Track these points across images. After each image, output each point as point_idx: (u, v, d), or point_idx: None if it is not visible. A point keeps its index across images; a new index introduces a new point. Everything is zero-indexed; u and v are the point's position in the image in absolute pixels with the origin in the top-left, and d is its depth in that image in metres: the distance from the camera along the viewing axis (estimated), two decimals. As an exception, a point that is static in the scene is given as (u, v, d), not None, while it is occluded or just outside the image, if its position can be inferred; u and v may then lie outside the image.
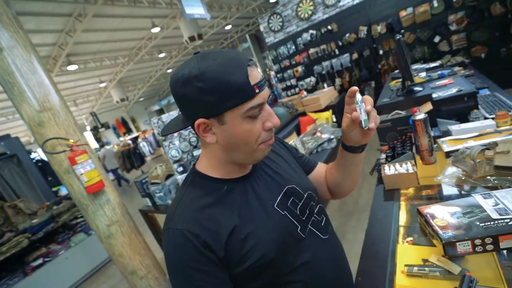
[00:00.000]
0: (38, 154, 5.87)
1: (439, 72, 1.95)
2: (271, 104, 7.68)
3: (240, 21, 11.57)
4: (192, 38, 7.88)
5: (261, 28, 5.99)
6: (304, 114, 3.72)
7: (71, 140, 1.93)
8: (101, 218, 2.13)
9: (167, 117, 1.86)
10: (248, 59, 0.49)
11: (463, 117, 1.39)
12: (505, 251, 0.69)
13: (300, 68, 5.67)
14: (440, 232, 0.70)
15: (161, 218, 2.58)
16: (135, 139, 10.16)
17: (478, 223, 0.68)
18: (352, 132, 0.62)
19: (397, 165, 1.09)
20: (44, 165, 5.47)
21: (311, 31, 5.27)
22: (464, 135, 1.16)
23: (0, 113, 10.08)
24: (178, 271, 0.51)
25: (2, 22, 1.77)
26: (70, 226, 3.58)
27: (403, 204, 1.00)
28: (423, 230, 0.83)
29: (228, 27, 11.05)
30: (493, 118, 1.23)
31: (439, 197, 0.95)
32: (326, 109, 3.62)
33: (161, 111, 17.05)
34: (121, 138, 11.06)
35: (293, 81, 5.87)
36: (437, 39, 4.30)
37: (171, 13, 7.85)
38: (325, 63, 5.31)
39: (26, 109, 1.87)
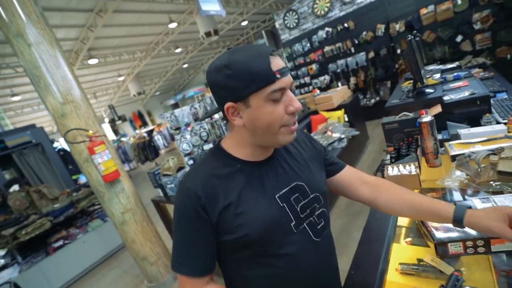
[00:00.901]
0: (60, 143, 6.19)
1: (455, 74, 1.90)
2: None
3: (256, 17, 11.54)
4: (208, 34, 7.95)
5: (277, 25, 5.97)
6: (316, 112, 3.71)
7: (90, 131, 2.05)
8: (116, 205, 2.25)
9: (179, 111, 1.94)
10: (271, 50, 0.55)
11: (475, 121, 1.37)
12: (504, 257, 0.70)
13: (314, 66, 5.62)
14: (434, 232, 0.72)
15: (172, 209, 2.68)
16: (150, 132, 10.44)
17: (472, 226, 0.70)
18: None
19: (401, 166, 1.10)
20: (65, 154, 5.76)
21: (326, 28, 5.20)
22: (472, 139, 1.15)
23: (26, 103, 10.64)
24: (178, 221, 0.61)
25: (31, 20, 1.89)
26: (87, 212, 3.78)
27: None
28: (420, 230, 0.85)
29: (244, 23, 11.05)
30: (505, 123, 1.21)
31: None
32: (338, 108, 3.59)
33: (176, 105, 17.38)
34: (137, 131, 11.40)
35: (307, 79, 5.83)
36: (459, 38, 4.13)
37: (188, 8, 7.95)
38: (340, 62, 5.23)
39: (50, 101, 2.00)
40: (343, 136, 3.05)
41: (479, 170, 0.95)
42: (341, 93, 3.83)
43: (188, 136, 1.75)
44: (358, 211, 2.63)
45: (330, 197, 2.77)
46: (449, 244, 0.69)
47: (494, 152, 0.98)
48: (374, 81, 5.07)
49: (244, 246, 0.60)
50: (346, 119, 3.52)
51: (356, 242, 0.89)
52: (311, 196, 0.67)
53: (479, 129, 1.21)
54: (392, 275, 0.75)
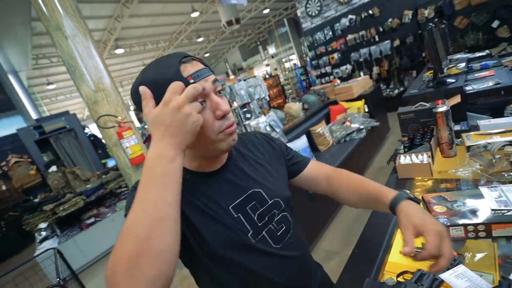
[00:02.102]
0: (90, 130, 6.60)
1: (483, 63, 1.82)
2: (303, 91, 7.55)
3: (278, 5, 11.31)
4: (229, 23, 7.95)
5: (298, 12, 5.85)
6: (335, 102, 3.67)
7: (119, 117, 2.22)
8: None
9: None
10: (182, 55, 0.53)
11: (499, 112, 1.33)
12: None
13: (336, 55, 5.48)
14: (438, 217, 0.76)
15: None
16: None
17: (475, 211, 0.72)
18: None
19: (413, 155, 1.11)
20: (95, 140, 6.16)
21: (350, 16, 5.03)
22: (491, 130, 1.13)
23: (60, 92, 11.39)
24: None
25: (68, 13, 2.05)
26: (115, 194, 4.07)
27: (417, 195, 1.03)
28: (426, 216, 0.88)
29: (266, 11, 10.88)
30: (529, 115, 1.17)
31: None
32: (359, 98, 3.53)
33: (197, 95, 17.68)
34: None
35: (328, 69, 5.72)
36: (495, 24, 3.84)
37: (209, -3, 7.99)
38: (363, 50, 5.07)
39: (84, 89, 2.18)
40: (362, 126, 3.01)
41: (493, 161, 0.95)
42: (362, 83, 3.74)
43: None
44: (373, 202, 2.63)
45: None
46: (450, 228, 0.72)
47: (510, 143, 0.97)
48: (398, 70, 4.87)
49: (203, 257, 0.57)
50: (367, 109, 3.46)
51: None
52: (270, 202, 0.65)
53: (500, 120, 1.19)
54: (394, 257, 0.80)
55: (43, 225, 3.21)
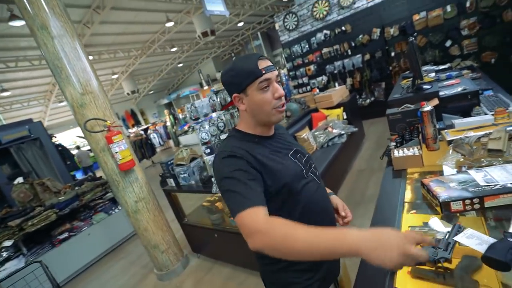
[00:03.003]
0: (57, 139, 6.15)
1: (448, 74, 2.10)
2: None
3: (252, 19, 11.69)
4: (204, 34, 8.04)
5: (277, 26, 6.14)
6: (316, 110, 3.89)
7: (109, 121, 2.15)
8: (130, 194, 2.34)
9: (199, 103, 2.08)
10: (259, 55, 0.79)
11: (467, 113, 1.56)
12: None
13: (312, 67, 5.82)
14: (439, 195, 0.88)
15: (183, 198, 2.78)
16: (145, 131, 10.43)
17: (469, 189, 0.86)
18: None
19: (405, 149, 1.26)
20: (63, 150, 5.74)
21: (325, 31, 5.41)
22: (464, 128, 1.33)
23: (16, 100, 10.42)
24: (229, 175, 0.74)
25: (55, 13, 1.98)
26: (89, 206, 3.81)
27: (408, 185, 1.17)
28: (425, 198, 1.01)
29: (240, 24, 11.19)
30: (492, 114, 1.40)
31: (440, 176, 1.12)
32: (337, 106, 3.78)
33: (170, 105, 17.31)
34: (130, 130, 11.33)
35: (305, 79, 6.03)
36: (448, 43, 4.41)
37: (185, 8, 8.01)
38: (337, 63, 5.45)
39: (70, 91, 2.09)
40: (343, 132, 3.23)
41: (472, 150, 1.13)
42: (340, 92, 4.02)
43: (206, 126, 1.87)
44: (358, 201, 2.81)
45: (332, 189, 2.94)
46: (451, 203, 0.85)
47: (484, 136, 1.15)
48: (369, 82, 5.30)
49: (277, 190, 0.79)
50: (345, 116, 3.71)
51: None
52: (307, 155, 0.94)
53: (470, 119, 1.40)
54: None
55: (7, 243, 2.90)
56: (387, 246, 0.54)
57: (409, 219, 0.98)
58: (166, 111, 12.88)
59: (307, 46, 5.76)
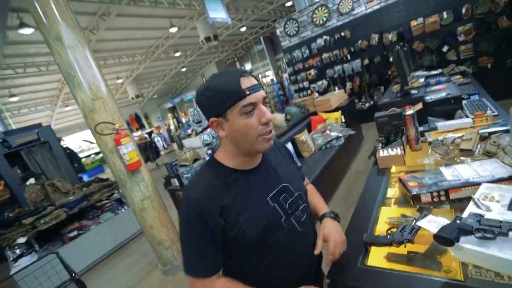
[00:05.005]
0: (65, 142, 6.34)
1: (437, 79, 2.22)
2: (282, 104, 7.93)
3: (255, 24, 11.90)
4: (208, 39, 8.23)
5: (278, 32, 6.30)
6: (315, 113, 4.01)
7: (117, 125, 2.29)
8: (137, 193, 2.48)
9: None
10: (242, 72, 0.67)
11: (451, 116, 1.67)
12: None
13: (313, 72, 5.95)
14: (411, 189, 1.00)
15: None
16: (149, 134, 10.63)
17: (437, 183, 0.97)
18: None
19: (389, 149, 1.38)
20: (71, 153, 5.92)
21: (325, 36, 5.55)
22: (445, 130, 1.45)
23: (24, 104, 10.71)
24: (185, 229, 0.71)
25: (68, 25, 2.15)
26: (96, 206, 3.96)
27: (393, 183, 1.28)
28: (402, 193, 1.13)
29: (243, 29, 11.39)
30: (472, 118, 1.51)
31: (419, 173, 1.23)
32: (336, 110, 3.90)
33: (173, 109, 17.57)
34: (134, 133, 11.55)
35: (306, 84, 6.16)
36: (445, 48, 4.51)
37: (188, 13, 8.21)
38: (337, 68, 5.58)
39: (82, 97, 2.24)
40: (340, 135, 3.34)
41: (448, 150, 1.24)
42: (338, 96, 4.14)
43: (209, 129, 2.00)
44: (354, 201, 2.90)
45: (329, 189, 3.06)
46: (421, 195, 0.96)
47: (459, 137, 1.27)
48: (368, 86, 5.42)
49: (244, 241, 0.71)
50: (343, 120, 3.82)
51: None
52: (295, 194, 0.81)
53: (451, 122, 1.51)
54: (380, 225, 1.01)
55: (21, 239, 3.05)
56: None
57: (388, 212, 1.09)
58: (169, 115, 13.09)
59: (307, 51, 5.90)
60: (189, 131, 11.07)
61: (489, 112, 1.47)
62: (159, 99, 18.32)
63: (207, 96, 0.68)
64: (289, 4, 9.82)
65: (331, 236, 0.80)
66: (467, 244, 0.66)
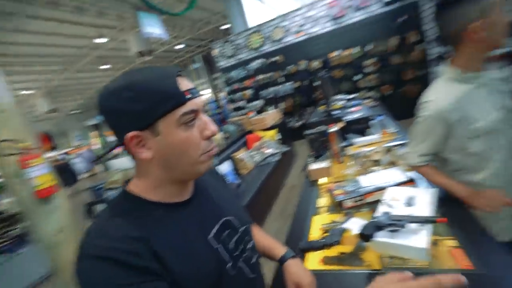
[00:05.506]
0: None
1: (353, 102, 2.62)
2: (219, 123, 8.03)
3: (192, 42, 11.93)
4: (140, 53, 7.83)
5: (215, 52, 6.46)
6: (251, 132, 4.18)
7: (27, 143, 1.92)
8: (50, 225, 2.07)
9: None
10: (178, 70, 0.49)
11: (365, 133, 1.98)
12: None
13: (248, 92, 6.26)
14: (336, 196, 1.14)
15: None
16: (64, 155, 9.17)
17: (356, 190, 1.14)
18: None
19: (319, 162, 1.54)
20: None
21: (260, 60, 5.97)
22: (361, 144, 1.71)
23: None
24: None
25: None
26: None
27: (323, 193, 1.42)
28: (332, 200, 1.26)
29: (180, 46, 11.27)
30: (380, 135, 1.83)
31: (343, 183, 1.41)
32: (271, 128, 4.16)
33: (96, 126, 15.71)
34: (47, 154, 9.82)
35: (242, 103, 6.41)
36: (357, 77, 5.39)
37: (119, 25, 7.72)
38: (271, 89, 6.03)
39: (-26, 110, 1.82)
40: (276, 151, 3.55)
41: (363, 161, 1.47)
42: (272, 115, 4.44)
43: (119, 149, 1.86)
44: (290, 214, 3.07)
45: (267, 204, 3.17)
46: (343, 202, 1.10)
47: (370, 151, 1.52)
48: (300, 106, 5.99)
49: None
50: (278, 137, 4.09)
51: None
52: (241, 229, 0.62)
53: (365, 138, 1.80)
54: (314, 232, 1.11)
55: None
56: None
57: (322, 219, 1.20)
58: (92, 133, 11.62)
59: (244, 72, 6.21)
60: (116, 150, 10.04)
61: (392, 129, 1.81)
62: (81, 114, 16.15)
63: (127, 98, 0.45)
64: (225, 27, 10.25)
65: (302, 281, 0.69)
66: (381, 237, 0.79)
